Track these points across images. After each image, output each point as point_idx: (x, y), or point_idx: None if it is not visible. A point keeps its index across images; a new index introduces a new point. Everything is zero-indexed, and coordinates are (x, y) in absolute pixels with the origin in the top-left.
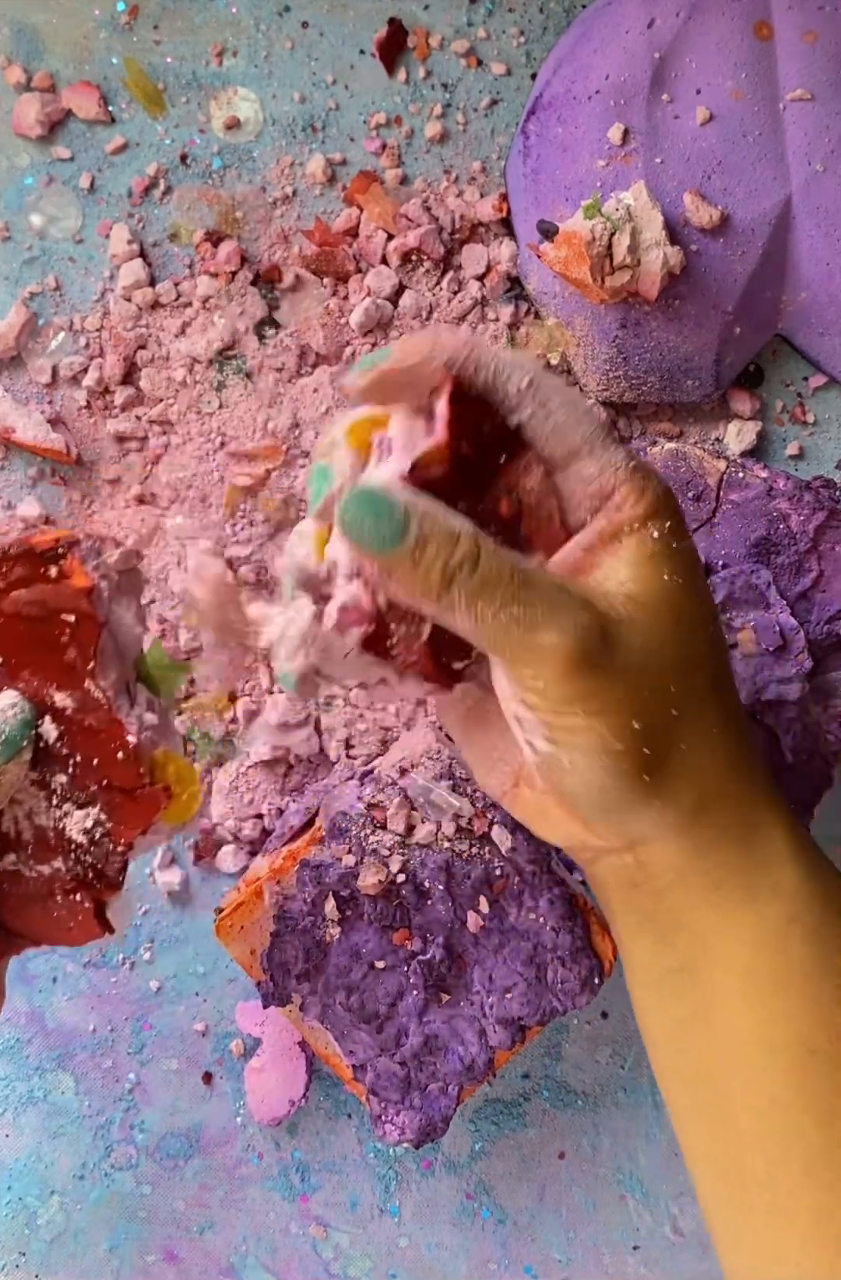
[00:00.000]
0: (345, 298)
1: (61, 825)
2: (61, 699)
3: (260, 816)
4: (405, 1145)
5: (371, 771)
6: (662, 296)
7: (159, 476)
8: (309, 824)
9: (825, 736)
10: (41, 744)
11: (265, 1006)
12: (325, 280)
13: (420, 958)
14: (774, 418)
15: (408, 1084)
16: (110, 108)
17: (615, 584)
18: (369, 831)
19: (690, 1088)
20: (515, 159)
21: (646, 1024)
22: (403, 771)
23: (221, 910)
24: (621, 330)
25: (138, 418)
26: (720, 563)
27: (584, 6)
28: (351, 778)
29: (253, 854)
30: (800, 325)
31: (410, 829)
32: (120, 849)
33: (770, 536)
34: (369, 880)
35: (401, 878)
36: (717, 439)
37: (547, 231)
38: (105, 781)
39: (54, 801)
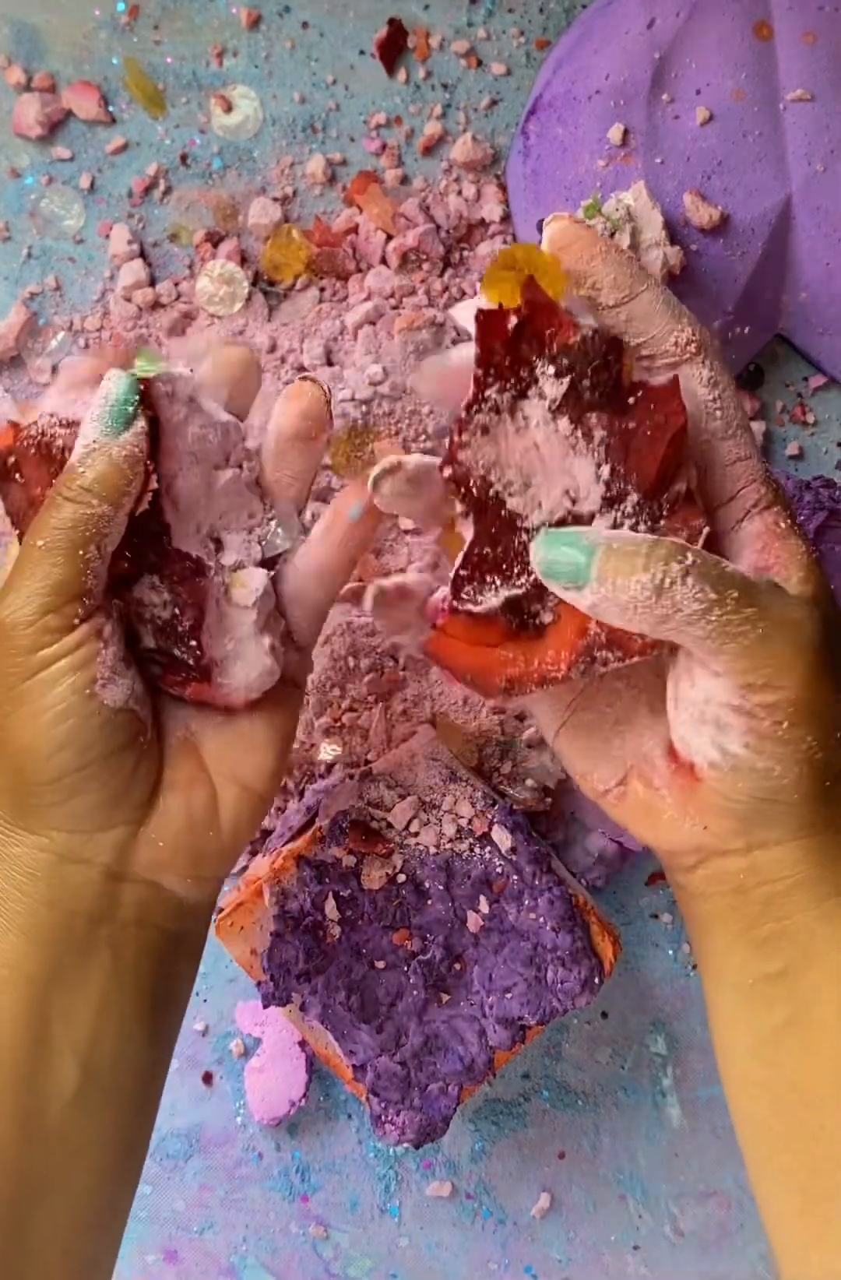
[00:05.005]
0: (345, 298)
1: None
2: None
3: None
4: (405, 1145)
5: (371, 772)
6: None
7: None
8: (309, 824)
9: None
10: None
11: (265, 1006)
12: (325, 280)
13: (420, 958)
14: (774, 418)
15: (408, 1084)
16: (110, 108)
17: (797, 586)
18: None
19: (773, 1098)
20: (515, 159)
21: (731, 1036)
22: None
23: (221, 910)
24: None
25: None
26: None
27: (584, 6)
28: (351, 778)
29: (253, 854)
30: (800, 325)
31: (410, 829)
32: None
33: None
34: (372, 875)
35: (401, 878)
36: None
37: None
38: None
39: None
